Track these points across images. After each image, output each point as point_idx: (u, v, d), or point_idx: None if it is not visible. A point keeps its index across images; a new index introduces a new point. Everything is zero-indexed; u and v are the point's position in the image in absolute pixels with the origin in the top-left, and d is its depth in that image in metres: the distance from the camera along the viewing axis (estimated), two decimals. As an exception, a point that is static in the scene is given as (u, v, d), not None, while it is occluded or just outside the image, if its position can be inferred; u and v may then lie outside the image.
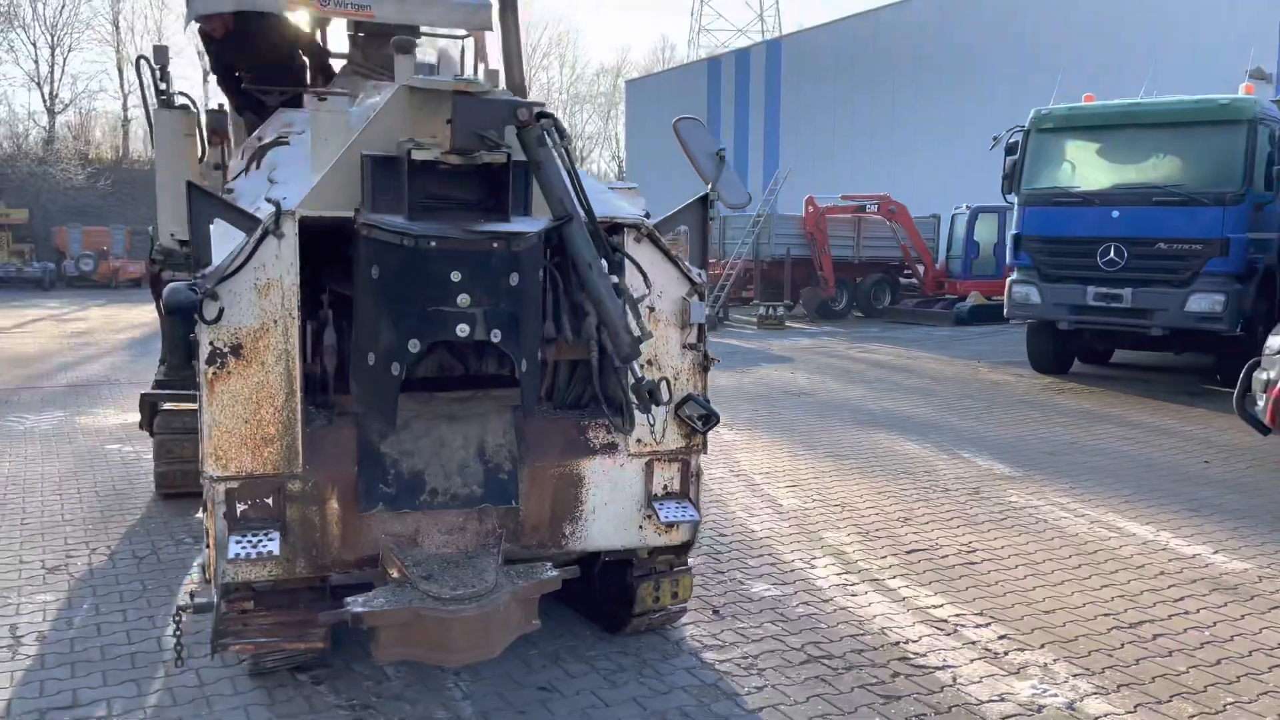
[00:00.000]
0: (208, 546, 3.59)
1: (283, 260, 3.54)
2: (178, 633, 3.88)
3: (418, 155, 3.26)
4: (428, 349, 3.33)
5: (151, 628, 4.76)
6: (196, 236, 3.41)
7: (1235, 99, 11.77)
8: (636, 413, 3.84)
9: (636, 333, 3.41)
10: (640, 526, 4.09)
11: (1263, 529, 6.57)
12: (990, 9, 31.36)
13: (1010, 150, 12.88)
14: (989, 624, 4.92)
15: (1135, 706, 4.08)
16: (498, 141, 3.22)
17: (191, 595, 3.88)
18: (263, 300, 3.53)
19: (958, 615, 5.02)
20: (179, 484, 6.97)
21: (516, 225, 3.37)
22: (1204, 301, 11.51)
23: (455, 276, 3.23)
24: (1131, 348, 13.33)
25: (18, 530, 6.25)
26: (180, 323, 7.41)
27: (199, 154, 7.40)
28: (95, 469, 7.87)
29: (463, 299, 3.25)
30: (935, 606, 5.14)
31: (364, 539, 3.76)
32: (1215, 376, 12.56)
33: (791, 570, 5.64)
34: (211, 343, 3.50)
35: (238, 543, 3.51)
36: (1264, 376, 7.97)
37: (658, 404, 3.53)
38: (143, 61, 7.45)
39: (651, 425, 3.92)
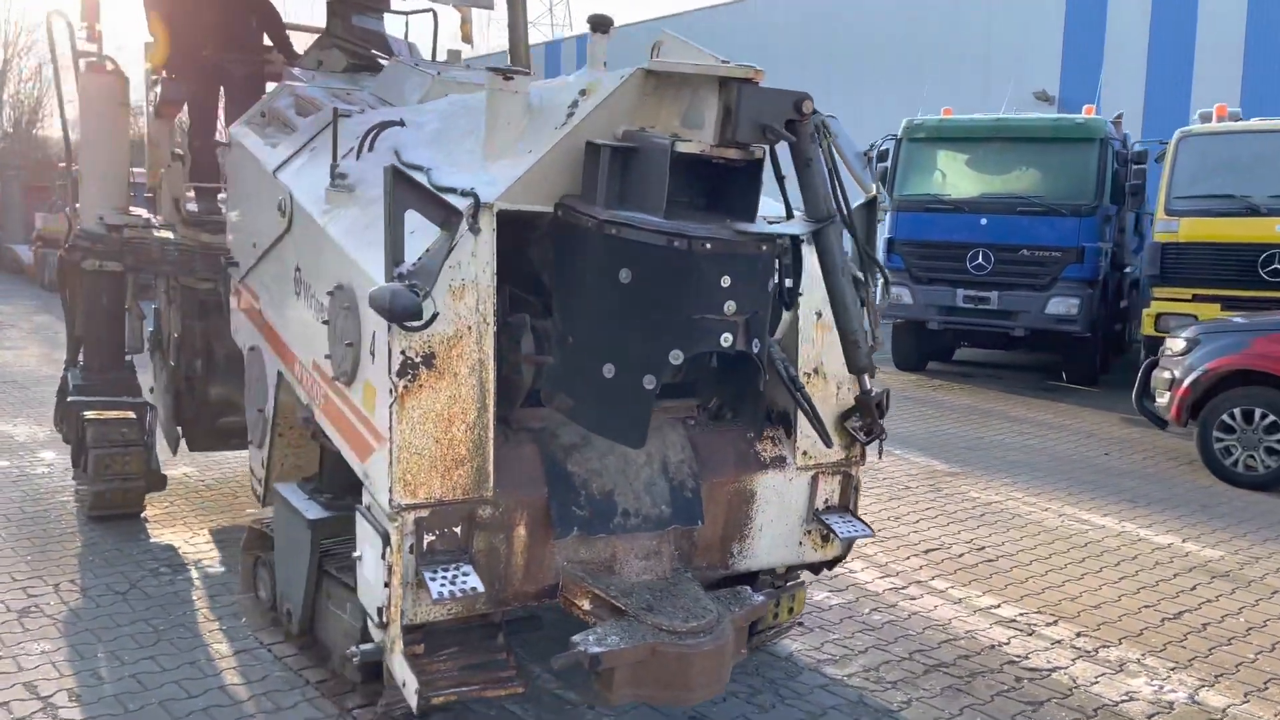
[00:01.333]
0: (387, 584, 3.10)
1: (479, 259, 3.12)
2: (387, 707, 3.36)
3: (683, 148, 2.94)
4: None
5: (200, 675, 4.11)
6: (395, 228, 2.93)
7: (1089, 119, 12.77)
8: (799, 424, 3.67)
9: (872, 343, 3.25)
10: (800, 542, 3.92)
11: (1203, 516, 7.14)
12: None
13: (882, 157, 13.41)
14: (1055, 621, 5.06)
15: (1246, 696, 4.31)
16: (783, 134, 2.95)
17: (357, 644, 3.35)
18: (457, 304, 3.10)
19: (1022, 615, 5.14)
20: (117, 504, 6.10)
21: (776, 226, 3.12)
22: (1061, 305, 12.44)
23: (725, 281, 2.94)
24: (993, 347, 14.21)
25: (-61, 566, 5.27)
26: (104, 321, 6.53)
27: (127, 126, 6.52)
28: (-17, 488, 6.77)
29: (729, 306, 2.97)
30: (994, 606, 5.24)
31: (547, 568, 3.39)
32: (1060, 374, 13.59)
33: (834, 575, 5.60)
34: (403, 351, 3.04)
35: (434, 579, 3.06)
36: (1166, 375, 8.67)
37: (883, 415, 3.38)
38: (55, 17, 6.46)
39: (827, 438, 3.74)
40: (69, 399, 6.28)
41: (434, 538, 3.14)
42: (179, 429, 6.38)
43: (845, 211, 3.19)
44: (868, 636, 4.77)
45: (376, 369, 3.15)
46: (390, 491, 3.07)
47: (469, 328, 3.13)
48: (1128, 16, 19.84)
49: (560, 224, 3.19)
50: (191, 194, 6.58)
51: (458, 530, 3.18)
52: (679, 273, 2.92)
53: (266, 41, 6.79)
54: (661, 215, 2.95)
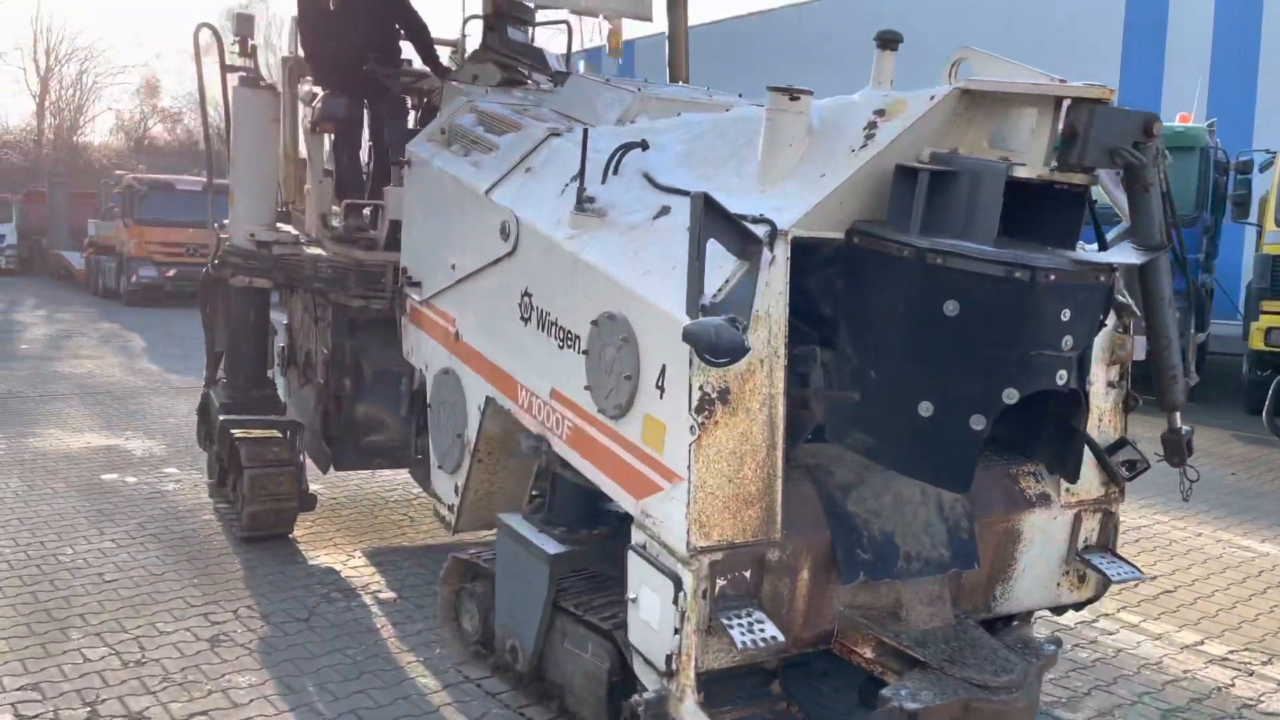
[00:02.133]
0: (678, 630, 2.95)
1: (772, 289, 2.97)
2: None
3: (1021, 173, 2.78)
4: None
5: (419, 712, 3.98)
6: (699, 258, 2.78)
7: (1189, 127, 12.49)
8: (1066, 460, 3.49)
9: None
10: (1058, 584, 3.74)
11: (1369, 544, 6.90)
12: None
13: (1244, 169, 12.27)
14: (1269, 660, 4.85)
15: None
16: (1133, 157, 2.78)
17: (640, 693, 3.19)
18: (751, 337, 2.95)
19: (1231, 653, 4.93)
20: (271, 525, 6.00)
21: (1107, 255, 2.95)
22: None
23: (1065, 315, 2.78)
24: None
25: (110, 591, 5.16)
26: (250, 335, 6.45)
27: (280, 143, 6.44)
28: (121, 508, 6.68)
29: (1067, 341, 2.80)
30: (1198, 643, 5.03)
31: (825, 613, 3.23)
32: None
33: (1017, 606, 5.41)
34: (700, 387, 2.89)
35: (732, 626, 2.91)
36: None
37: (1191, 454, 3.20)
38: (205, 29, 6.38)
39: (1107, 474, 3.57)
40: (221, 418, 6.18)
41: (725, 582, 2.99)
42: (328, 448, 6.27)
43: (1176, 240, 3.02)
44: (1084, 677, 4.57)
45: (667, 405, 3.00)
46: (687, 533, 2.92)
47: (761, 361, 2.98)
48: (1190, 22, 19.49)
49: (856, 251, 3.04)
50: (338, 209, 6.49)
51: (747, 574, 3.02)
52: (1018, 306, 2.76)
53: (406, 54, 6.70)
54: (992, 244, 2.79)
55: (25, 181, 35.82)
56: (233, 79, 6.31)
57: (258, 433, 6.09)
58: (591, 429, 3.42)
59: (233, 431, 6.01)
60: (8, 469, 7.53)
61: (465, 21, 6.68)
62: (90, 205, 27.43)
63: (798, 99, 3.16)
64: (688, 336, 2.67)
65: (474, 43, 6.31)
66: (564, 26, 6.94)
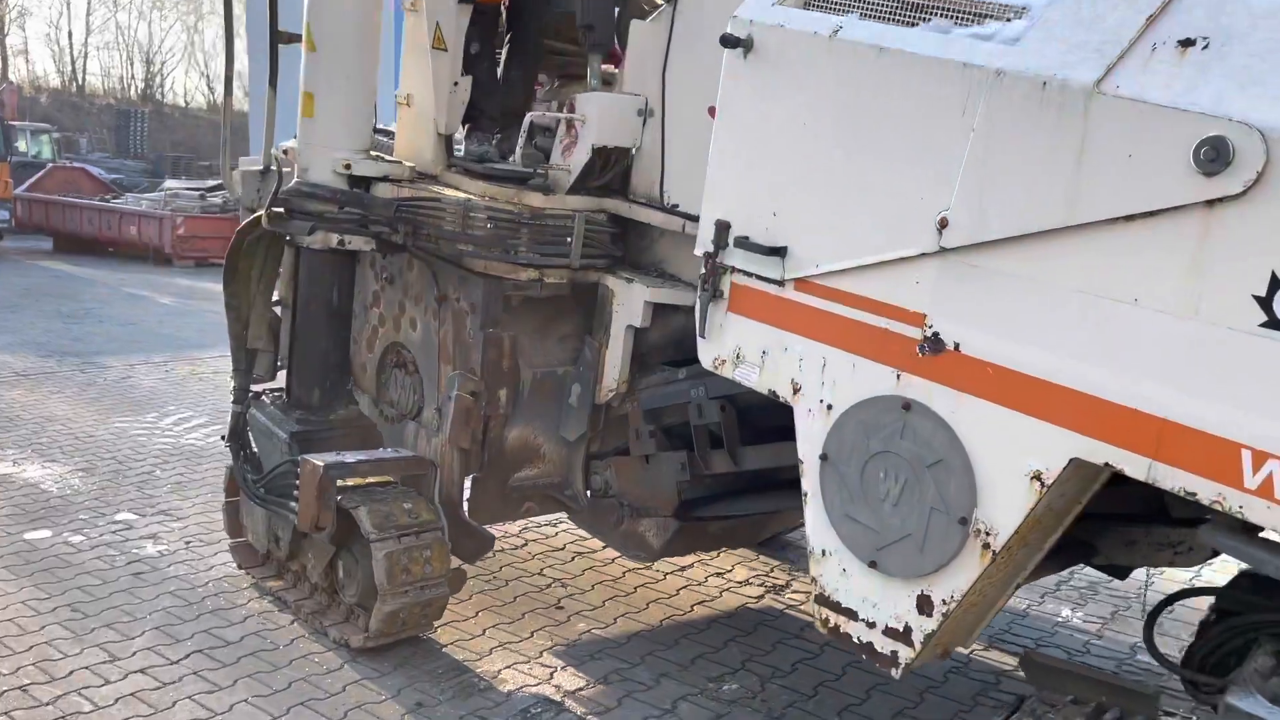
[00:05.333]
0: None
1: None
2: None
3: None
4: None
5: None
6: None
7: None
8: None
9: None
10: None
11: None
12: None
13: None
14: None
15: None
16: None
17: None
18: None
19: None
20: (411, 625, 3.86)
21: None
22: None
23: None
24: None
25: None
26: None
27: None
28: (100, 599, 4.24)
29: None
30: None
31: None
32: None
33: None
34: None
35: None
36: None
37: None
38: None
39: None
40: (298, 457, 3.88)
41: None
42: (463, 493, 4.14)
43: None
44: None
45: None
46: None
47: None
48: None
49: None
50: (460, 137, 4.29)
51: None
52: None
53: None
54: None
55: None
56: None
57: (375, 481, 3.88)
58: None
59: (331, 478, 3.76)
60: None
61: None
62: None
63: None
64: None
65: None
66: None
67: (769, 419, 3.95)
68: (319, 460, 3.76)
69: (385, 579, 3.64)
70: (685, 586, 4.66)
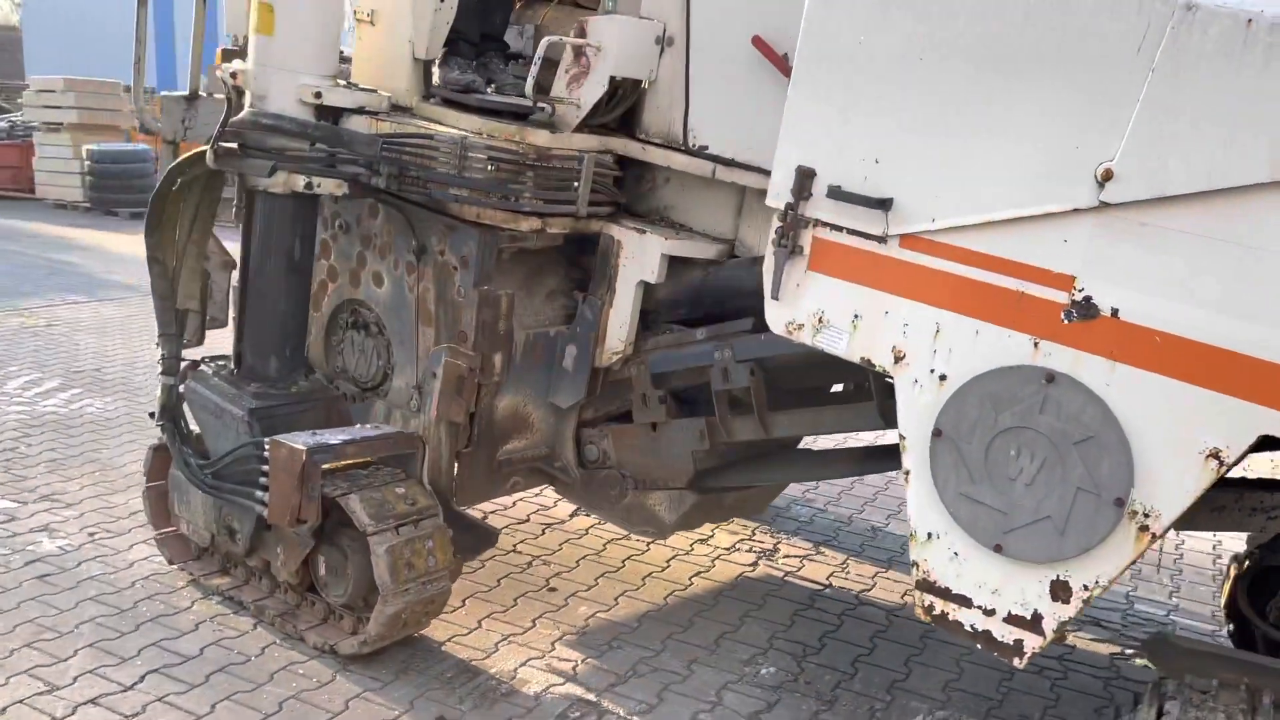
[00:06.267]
0: None
1: None
2: None
3: None
4: None
5: None
6: None
7: None
8: None
9: None
10: None
11: None
12: None
13: None
14: None
15: None
16: None
17: None
18: None
19: None
20: (413, 625, 3.39)
21: None
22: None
23: None
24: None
25: None
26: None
27: None
28: (58, 625, 3.56)
29: None
30: None
31: None
32: None
33: None
34: None
35: None
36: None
37: None
38: None
39: None
40: (267, 439, 3.29)
41: None
42: (452, 471, 3.67)
43: None
44: None
45: None
46: None
47: None
48: None
49: None
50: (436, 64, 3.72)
51: None
52: None
53: None
54: None
55: None
56: None
57: (361, 462, 3.36)
58: None
59: (315, 462, 3.21)
60: None
61: None
62: None
63: None
64: None
65: None
66: None
67: (797, 382, 3.68)
68: (297, 442, 3.20)
69: (389, 577, 3.15)
70: (674, 557, 4.36)
